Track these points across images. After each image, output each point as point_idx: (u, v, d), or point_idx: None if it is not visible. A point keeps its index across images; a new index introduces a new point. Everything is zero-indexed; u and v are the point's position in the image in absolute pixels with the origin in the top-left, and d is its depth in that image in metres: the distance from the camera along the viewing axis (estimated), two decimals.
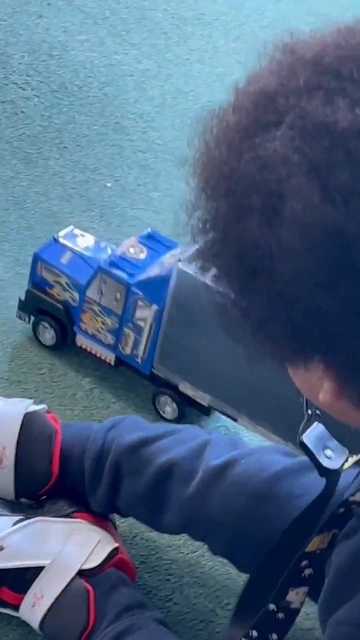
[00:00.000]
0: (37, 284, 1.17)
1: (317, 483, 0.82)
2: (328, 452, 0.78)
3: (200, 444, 0.96)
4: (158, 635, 0.90)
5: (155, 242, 1.14)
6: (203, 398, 1.10)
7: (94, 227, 1.37)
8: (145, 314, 1.09)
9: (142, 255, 1.13)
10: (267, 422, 1.05)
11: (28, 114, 1.50)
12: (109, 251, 1.16)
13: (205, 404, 1.10)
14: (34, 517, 0.96)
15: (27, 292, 1.18)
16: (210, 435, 1.00)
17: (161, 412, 1.13)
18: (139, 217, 1.40)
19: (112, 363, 1.14)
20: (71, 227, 1.21)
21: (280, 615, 0.84)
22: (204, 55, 1.69)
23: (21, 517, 0.97)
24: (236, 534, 0.91)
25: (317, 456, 0.77)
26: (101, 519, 0.98)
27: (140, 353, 1.12)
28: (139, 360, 1.12)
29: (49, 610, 0.91)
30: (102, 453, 0.97)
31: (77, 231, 1.20)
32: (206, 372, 1.09)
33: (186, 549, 1.05)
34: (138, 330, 1.10)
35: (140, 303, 1.09)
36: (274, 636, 0.84)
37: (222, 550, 0.94)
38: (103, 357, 1.15)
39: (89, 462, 0.97)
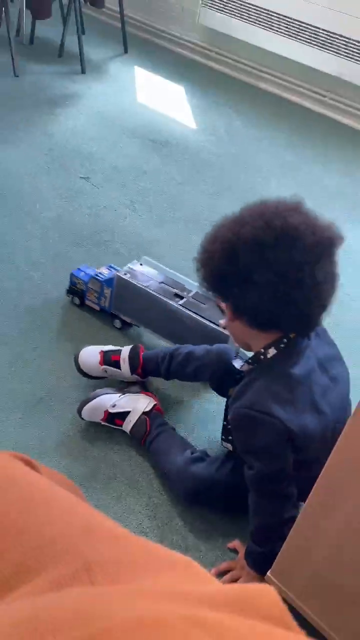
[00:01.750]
0: (73, 284, 2.45)
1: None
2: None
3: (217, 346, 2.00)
4: (172, 436, 1.93)
5: (112, 268, 2.43)
6: (132, 321, 2.38)
7: None
8: (107, 291, 2.36)
9: (106, 272, 2.40)
10: (159, 334, 2.33)
11: None
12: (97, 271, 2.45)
13: (132, 323, 2.39)
14: (127, 393, 2.02)
15: (69, 288, 2.46)
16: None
17: (114, 324, 2.41)
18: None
19: (98, 309, 2.46)
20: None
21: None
22: None
23: (121, 394, 2.02)
24: (214, 368, 1.89)
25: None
26: (150, 393, 2.06)
27: (107, 305, 2.40)
28: (106, 306, 2.42)
29: (132, 426, 1.93)
30: (166, 354, 2.00)
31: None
32: (134, 311, 2.35)
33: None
34: (105, 297, 2.39)
35: (105, 287, 2.36)
36: None
37: (212, 381, 1.96)
38: (95, 307, 2.47)
39: (161, 356, 2.02)
